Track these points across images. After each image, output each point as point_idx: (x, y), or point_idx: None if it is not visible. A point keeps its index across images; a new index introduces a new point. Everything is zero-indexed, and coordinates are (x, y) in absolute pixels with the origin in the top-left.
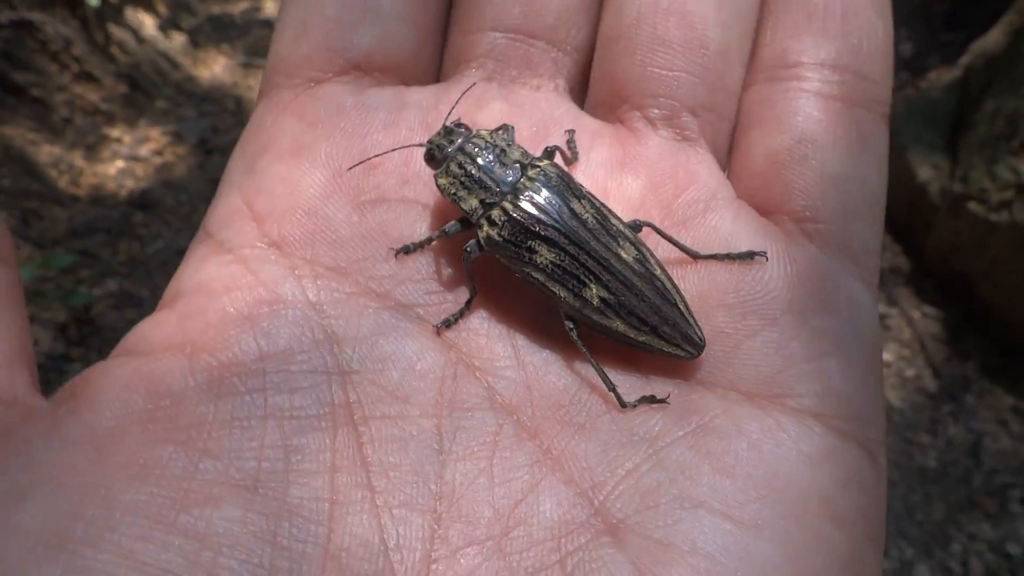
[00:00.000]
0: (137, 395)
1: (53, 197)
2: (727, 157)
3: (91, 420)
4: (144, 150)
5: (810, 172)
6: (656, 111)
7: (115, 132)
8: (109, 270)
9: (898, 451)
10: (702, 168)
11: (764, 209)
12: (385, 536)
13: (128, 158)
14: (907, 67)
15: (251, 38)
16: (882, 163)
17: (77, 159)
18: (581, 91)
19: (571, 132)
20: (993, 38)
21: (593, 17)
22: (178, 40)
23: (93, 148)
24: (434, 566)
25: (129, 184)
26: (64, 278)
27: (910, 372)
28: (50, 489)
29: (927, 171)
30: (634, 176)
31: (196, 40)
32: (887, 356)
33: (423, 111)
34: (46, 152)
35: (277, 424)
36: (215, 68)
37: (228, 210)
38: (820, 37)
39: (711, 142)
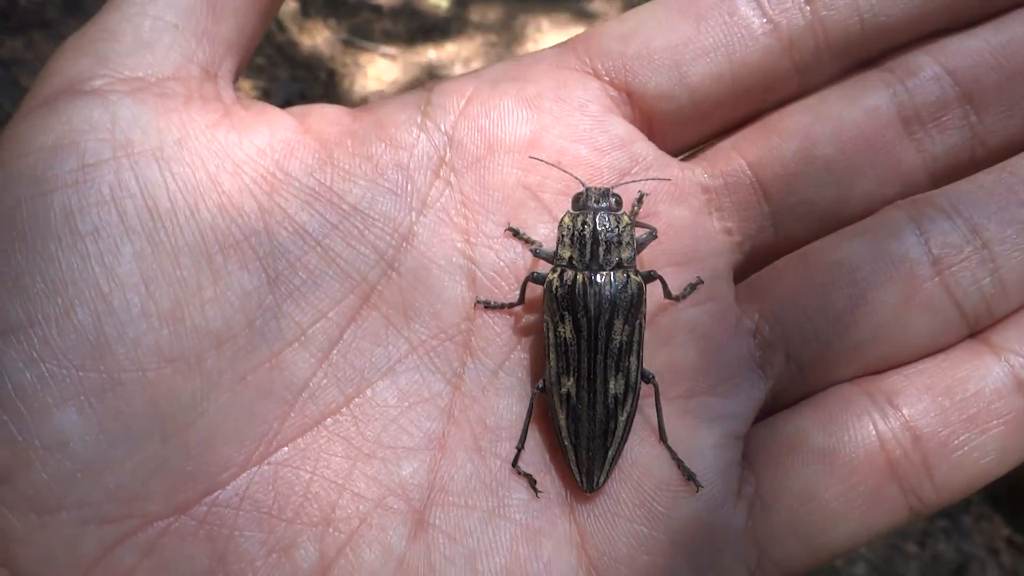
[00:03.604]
0: (271, 156)
1: None
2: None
3: (233, 144)
4: None
5: (804, 476)
6: (768, 328)
7: None
8: None
9: (882, 555)
10: (746, 397)
11: (750, 460)
12: (309, 384)
13: None
14: None
15: (358, 19)
16: (865, 529)
17: None
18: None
19: (700, 282)
20: None
21: (830, 230)
22: (291, 6)
23: None
24: (316, 429)
25: None
26: None
27: None
28: (173, 168)
29: None
30: (698, 352)
31: (307, 10)
32: None
33: (632, 163)
34: None
35: (321, 256)
36: (317, 39)
37: (456, 88)
38: (933, 410)
39: (777, 386)
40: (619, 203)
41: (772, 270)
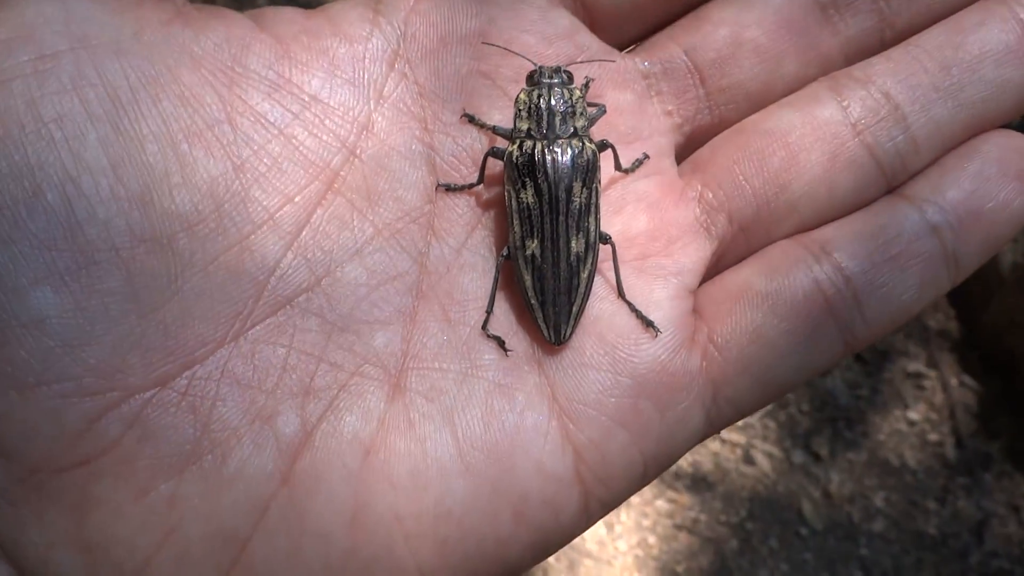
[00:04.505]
0: (228, 50)
1: None
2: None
3: (189, 41)
4: None
5: (751, 318)
6: (711, 195)
7: None
8: None
9: (901, 510)
10: (694, 255)
11: (700, 313)
12: (279, 265)
13: None
14: None
15: None
16: (807, 366)
17: None
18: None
19: (646, 157)
20: None
21: (753, 109)
22: None
23: None
24: (288, 307)
25: None
26: None
27: (933, 436)
28: (134, 61)
29: None
30: (649, 219)
31: None
32: (914, 415)
33: (578, 51)
34: None
35: (283, 143)
36: None
37: None
38: (861, 254)
39: (722, 247)
40: (571, 78)
41: (710, 145)
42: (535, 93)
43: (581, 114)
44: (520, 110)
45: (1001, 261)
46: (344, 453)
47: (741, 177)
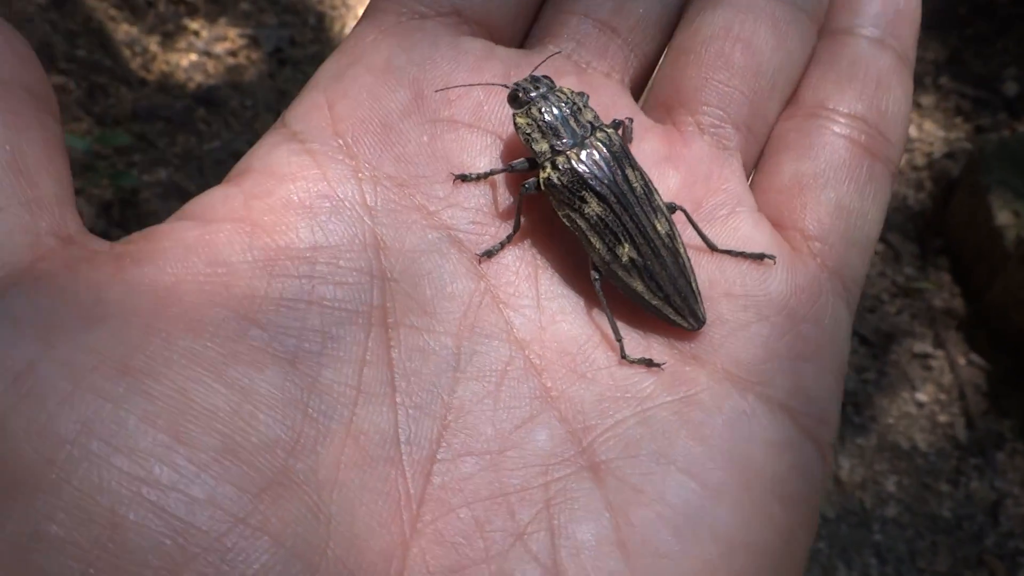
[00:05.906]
0: (197, 258)
1: (122, 76)
2: (751, 174)
3: (153, 273)
4: (219, 48)
5: (827, 198)
6: (707, 118)
7: (194, 25)
8: (162, 159)
9: (913, 494)
10: (733, 176)
11: (778, 223)
12: (399, 430)
13: (202, 53)
14: (1008, 107)
15: None
16: (882, 209)
17: (152, 44)
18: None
19: (631, 120)
20: None
21: (667, 33)
22: None
23: (170, 36)
24: (437, 466)
25: (198, 79)
26: (117, 158)
27: (943, 417)
28: (117, 323)
29: (1006, 216)
30: (674, 170)
31: None
32: (922, 397)
33: (506, 66)
34: (124, 31)
35: (319, 311)
36: None
37: (310, 106)
38: (857, 95)
39: (743, 156)
40: (551, 81)
41: (659, 83)
42: (533, 110)
43: (586, 106)
44: (529, 133)
45: (1005, 237)
46: (604, 563)
47: (721, 84)
